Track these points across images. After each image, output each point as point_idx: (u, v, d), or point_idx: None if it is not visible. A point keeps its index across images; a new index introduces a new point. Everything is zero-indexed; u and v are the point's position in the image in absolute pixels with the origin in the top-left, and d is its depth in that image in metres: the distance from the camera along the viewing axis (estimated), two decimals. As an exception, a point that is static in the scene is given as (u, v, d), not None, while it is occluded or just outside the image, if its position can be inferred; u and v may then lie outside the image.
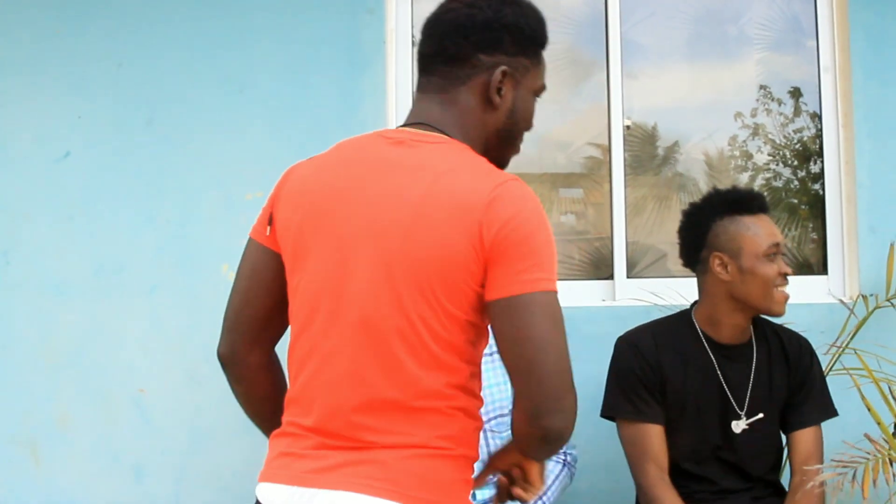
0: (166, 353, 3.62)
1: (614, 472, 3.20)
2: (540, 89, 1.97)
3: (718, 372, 2.87)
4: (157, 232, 3.65)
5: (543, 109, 3.90)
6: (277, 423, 1.88)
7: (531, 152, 4.06)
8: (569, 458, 2.91)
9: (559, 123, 4.04)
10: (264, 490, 1.79)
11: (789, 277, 2.81)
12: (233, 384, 1.98)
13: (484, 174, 1.76)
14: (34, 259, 3.70)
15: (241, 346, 1.93)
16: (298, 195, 1.86)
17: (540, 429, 1.67)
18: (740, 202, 2.86)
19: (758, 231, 2.81)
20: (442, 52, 1.88)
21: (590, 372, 3.15)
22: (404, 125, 1.89)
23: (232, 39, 3.70)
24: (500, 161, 1.94)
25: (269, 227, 1.89)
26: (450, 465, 1.75)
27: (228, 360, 1.95)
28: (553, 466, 2.89)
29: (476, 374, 1.81)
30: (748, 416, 2.86)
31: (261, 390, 1.98)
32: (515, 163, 3.98)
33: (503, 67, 1.85)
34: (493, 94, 1.86)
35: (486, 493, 3.00)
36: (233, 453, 3.55)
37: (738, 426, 2.86)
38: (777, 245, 2.81)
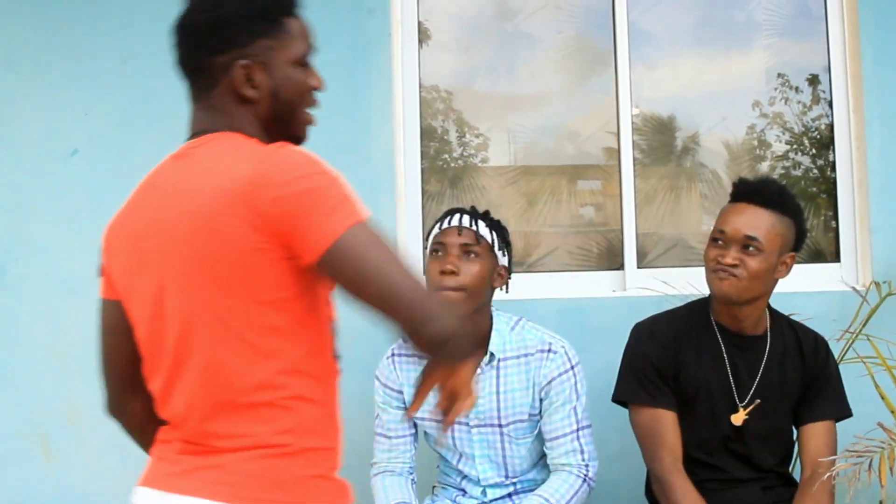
0: (176, 348, 3.61)
1: (624, 461, 3.19)
2: (301, 56, 1.88)
3: (727, 362, 2.85)
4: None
5: (556, 100, 3.95)
6: None
7: (547, 144, 4.05)
8: (589, 473, 2.89)
9: (575, 114, 4.03)
10: (138, 493, 1.81)
11: (800, 266, 2.77)
12: (130, 434, 1.99)
13: (246, 154, 1.71)
14: (43, 256, 3.70)
15: (122, 398, 1.95)
16: (113, 241, 1.89)
17: (427, 340, 1.62)
18: (735, 188, 2.86)
19: (721, 215, 2.83)
20: (184, 65, 1.86)
21: (601, 362, 3.14)
22: (188, 139, 1.88)
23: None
24: (292, 135, 1.90)
25: (101, 280, 1.92)
26: (292, 462, 1.72)
27: (116, 413, 1.97)
28: (574, 481, 2.87)
29: (313, 352, 1.76)
30: (747, 407, 2.85)
31: (150, 434, 1.94)
32: (532, 155, 4.01)
33: (241, 62, 1.80)
34: (245, 90, 1.81)
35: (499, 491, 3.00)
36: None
37: (738, 418, 2.85)
38: (722, 232, 2.78)
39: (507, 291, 3.05)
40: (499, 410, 2.92)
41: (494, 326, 2.94)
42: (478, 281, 2.85)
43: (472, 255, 2.86)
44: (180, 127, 3.71)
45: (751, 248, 2.74)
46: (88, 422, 3.63)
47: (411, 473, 3.05)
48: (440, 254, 2.89)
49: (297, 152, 1.71)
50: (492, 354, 2.92)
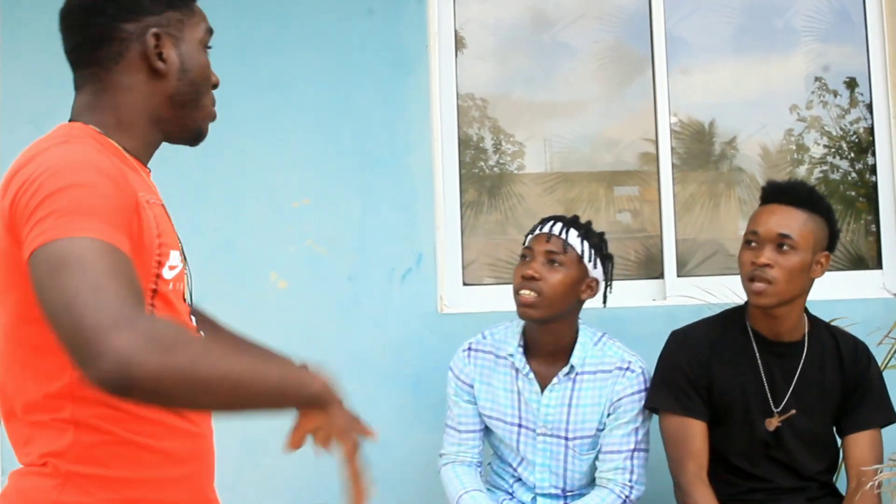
0: (217, 361, 3.62)
1: (658, 469, 3.18)
2: (205, 38, 1.80)
3: (762, 369, 2.84)
4: (205, 241, 3.66)
5: (595, 108, 3.95)
6: None
7: (585, 151, 4.05)
8: (632, 495, 2.87)
9: (612, 121, 4.02)
10: None
11: (841, 272, 2.76)
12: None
13: (33, 146, 1.60)
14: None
15: None
16: None
17: (94, 378, 1.29)
18: (764, 191, 2.86)
19: (752, 217, 2.82)
20: (84, 40, 1.73)
21: (641, 372, 3.13)
22: None
23: (274, 47, 3.71)
24: (192, 128, 1.82)
25: None
26: (56, 484, 1.57)
27: None
28: (614, 500, 2.86)
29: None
30: (783, 413, 2.83)
31: None
32: (569, 163, 4.00)
33: (154, 30, 1.70)
34: (155, 61, 1.71)
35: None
36: (284, 463, 3.55)
37: (772, 423, 2.83)
38: (754, 233, 2.77)
39: (605, 305, 3.05)
40: (568, 423, 2.92)
41: (579, 339, 2.94)
42: (558, 289, 2.85)
43: (556, 264, 2.86)
44: (217, 138, 3.73)
45: (784, 247, 2.73)
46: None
47: (479, 466, 3.05)
48: (526, 259, 2.91)
49: (67, 150, 1.56)
50: (572, 366, 2.92)
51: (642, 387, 2.91)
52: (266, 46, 3.72)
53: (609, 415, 2.90)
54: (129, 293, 1.35)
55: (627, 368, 2.91)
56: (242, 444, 3.61)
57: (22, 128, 3.82)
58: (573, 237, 2.89)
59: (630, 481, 2.88)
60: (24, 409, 1.60)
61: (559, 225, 2.92)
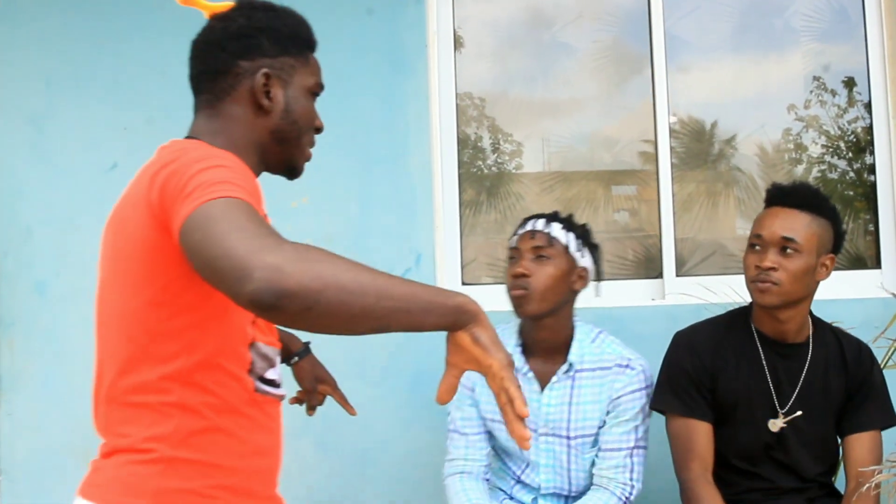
0: (216, 360, 3.63)
1: (662, 471, 3.18)
2: (314, 87, 1.97)
3: (767, 370, 2.84)
4: (205, 240, 3.66)
5: (593, 107, 3.94)
6: None
7: (583, 151, 4.05)
8: (632, 495, 2.86)
9: (610, 121, 4.02)
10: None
11: (840, 272, 2.76)
12: None
13: (173, 152, 1.69)
14: (85, 269, 3.71)
15: None
16: None
17: (250, 295, 1.35)
18: (769, 193, 2.87)
19: (757, 220, 2.83)
20: (205, 70, 1.89)
21: (641, 372, 3.13)
22: None
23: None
24: (289, 164, 1.97)
25: None
26: (154, 469, 1.67)
27: None
28: (614, 502, 2.85)
29: (210, 364, 1.70)
30: (787, 415, 2.83)
31: None
32: (568, 162, 4.00)
33: (264, 70, 1.86)
34: (261, 97, 1.86)
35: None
36: (290, 457, 3.54)
37: (776, 424, 2.83)
38: (759, 237, 2.78)
39: (597, 295, 3.05)
40: (569, 422, 2.92)
41: (576, 336, 2.94)
42: (549, 283, 2.86)
43: (544, 258, 2.87)
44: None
45: (788, 250, 2.73)
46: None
47: (486, 474, 3.03)
48: (515, 259, 2.92)
49: (184, 142, 1.75)
50: (570, 364, 2.92)
51: (643, 385, 2.91)
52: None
53: (609, 412, 2.90)
54: (270, 231, 1.44)
55: (627, 366, 2.91)
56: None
57: (21, 129, 3.83)
58: (557, 230, 2.91)
59: (630, 480, 2.88)
60: (129, 391, 1.68)
61: (541, 221, 2.94)
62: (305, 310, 1.36)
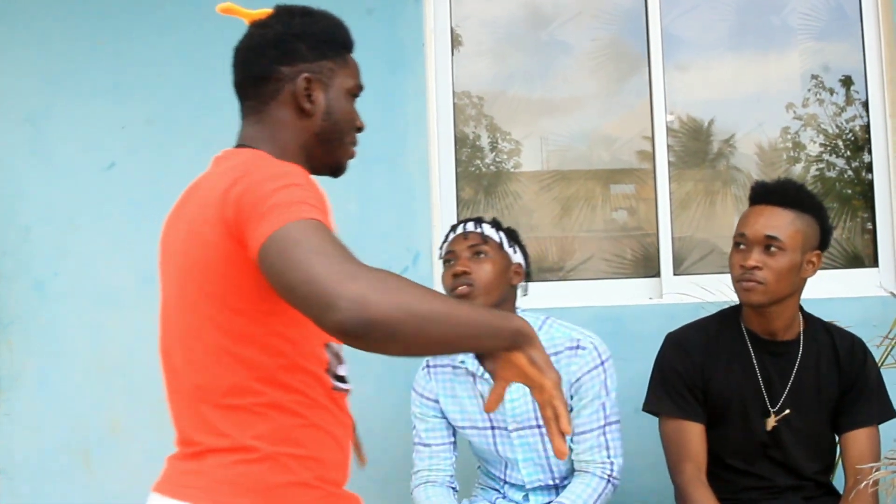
0: (214, 358, 3.63)
1: (656, 471, 3.18)
2: (354, 89, 2.03)
3: (757, 369, 2.85)
4: (203, 239, 3.67)
5: (591, 105, 3.94)
6: None
7: (581, 149, 4.05)
8: (613, 472, 2.88)
9: (608, 119, 4.03)
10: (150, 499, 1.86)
11: (837, 271, 2.76)
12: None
13: (239, 165, 1.75)
14: (83, 268, 3.74)
15: None
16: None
17: (336, 324, 1.43)
18: (752, 191, 2.88)
19: (741, 219, 2.84)
20: (248, 76, 1.96)
21: (638, 370, 3.14)
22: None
23: (272, 45, 3.71)
24: (333, 164, 2.02)
25: None
26: (262, 467, 1.73)
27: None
28: (597, 483, 2.87)
29: (293, 365, 1.75)
30: (779, 413, 2.83)
31: None
32: (566, 160, 4.00)
33: (305, 74, 1.92)
34: (303, 101, 1.92)
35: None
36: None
37: (769, 423, 2.83)
38: (742, 236, 2.79)
39: (524, 294, 3.06)
40: (535, 411, 2.92)
41: None
42: (491, 277, 2.89)
43: (482, 255, 2.91)
44: (217, 138, 3.73)
45: (772, 248, 2.74)
46: (130, 434, 3.67)
47: (452, 483, 3.05)
48: (451, 262, 2.95)
49: (260, 158, 1.79)
50: None
51: (598, 361, 2.91)
52: (263, 45, 3.72)
53: (572, 396, 2.91)
54: (350, 255, 1.51)
55: (577, 346, 2.92)
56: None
57: (20, 128, 3.83)
58: (488, 229, 2.97)
59: (609, 457, 2.89)
60: (223, 394, 1.73)
61: (471, 223, 2.99)
62: (388, 337, 1.46)
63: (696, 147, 3.97)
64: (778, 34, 3.92)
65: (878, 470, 2.66)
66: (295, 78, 1.92)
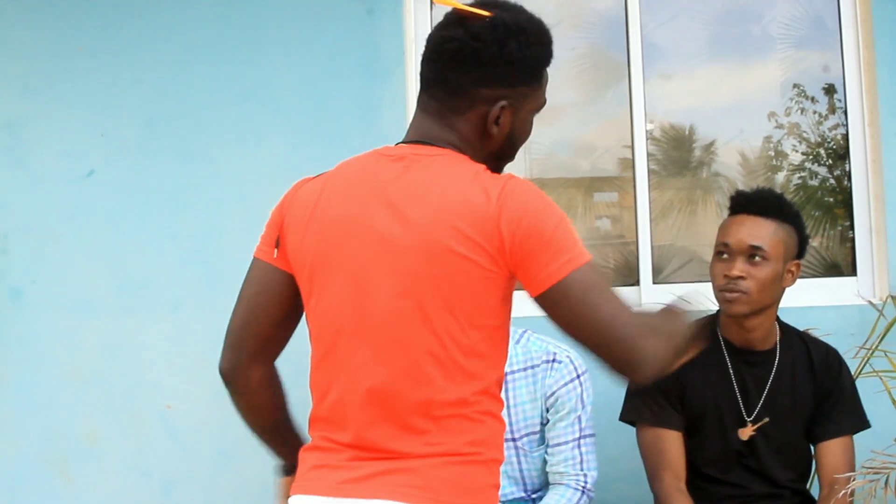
0: (192, 368, 3.62)
1: (634, 480, 3.18)
2: (540, 107, 1.97)
3: (734, 378, 2.85)
4: (181, 248, 3.66)
5: (573, 114, 3.94)
6: (277, 436, 2.05)
7: (563, 158, 4.05)
8: (587, 484, 2.89)
9: (590, 128, 4.03)
10: (298, 502, 1.82)
11: (816, 280, 2.76)
12: (233, 398, 2.00)
13: (486, 180, 1.77)
14: (60, 277, 3.72)
15: (244, 362, 1.96)
16: (307, 220, 1.88)
17: (640, 379, 1.71)
18: (733, 201, 2.89)
19: (722, 228, 2.85)
20: (443, 83, 1.87)
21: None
22: (404, 142, 1.90)
23: (251, 53, 3.71)
24: (495, 171, 1.92)
25: (276, 250, 1.92)
26: (480, 470, 1.78)
27: (230, 375, 1.97)
28: (571, 495, 2.88)
29: (500, 378, 1.84)
30: (755, 422, 2.84)
31: (261, 404, 2.00)
32: (548, 169, 3.99)
33: (503, 103, 1.85)
34: (492, 126, 1.86)
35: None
36: (260, 468, 3.49)
37: (745, 433, 2.84)
38: (725, 245, 2.79)
39: None
40: (511, 424, 2.92)
41: None
42: None
43: None
44: (194, 145, 3.76)
45: (756, 258, 2.74)
46: (107, 443, 3.65)
47: None
48: None
49: (531, 188, 1.79)
50: None
51: (574, 375, 2.93)
52: (242, 54, 3.72)
53: (548, 409, 2.92)
54: (623, 298, 1.71)
55: (554, 360, 2.93)
56: (217, 450, 3.60)
57: (-4, 134, 3.81)
58: None
59: (583, 470, 2.90)
60: (450, 405, 1.76)
61: None
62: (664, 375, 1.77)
63: (678, 155, 3.97)
64: (758, 43, 3.93)
65: (854, 480, 2.66)
66: (492, 102, 1.85)
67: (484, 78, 1.83)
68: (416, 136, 1.89)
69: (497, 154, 1.91)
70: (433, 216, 1.74)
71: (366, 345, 1.78)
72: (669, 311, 1.83)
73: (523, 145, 1.98)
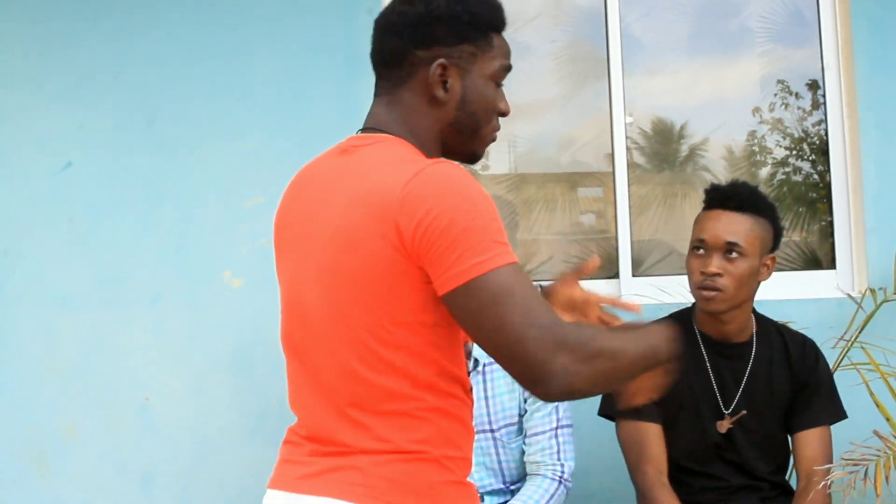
0: (171, 361, 3.62)
1: (615, 474, 3.19)
2: (498, 73, 1.86)
3: (710, 371, 2.85)
4: (159, 241, 3.64)
5: (556, 109, 3.93)
6: None
7: (545, 152, 4.04)
8: (564, 474, 2.90)
9: (572, 122, 4.03)
10: (268, 496, 1.83)
11: (796, 273, 2.76)
12: None
13: (403, 167, 1.68)
14: (37, 270, 3.69)
15: None
16: (278, 210, 1.94)
17: (543, 396, 1.60)
18: (708, 195, 2.88)
19: (697, 223, 2.84)
20: (382, 55, 1.85)
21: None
22: (359, 131, 1.87)
23: (231, 47, 3.69)
24: (469, 153, 1.90)
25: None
26: (426, 468, 1.72)
27: None
28: (548, 485, 2.89)
29: (452, 373, 1.75)
30: (733, 415, 2.84)
31: None
32: (530, 163, 3.99)
33: (441, 60, 1.78)
34: (436, 89, 1.79)
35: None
36: (239, 461, 3.54)
37: (723, 426, 2.84)
38: (702, 241, 2.79)
39: None
40: (489, 416, 2.94)
41: None
42: None
43: None
44: (173, 138, 3.73)
45: (733, 254, 2.74)
46: (85, 438, 3.63)
47: None
48: None
49: (452, 176, 1.66)
50: (476, 360, 2.94)
51: None
52: (222, 47, 3.70)
53: (526, 400, 2.95)
54: (546, 307, 1.60)
55: None
56: (195, 443, 3.59)
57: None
58: None
59: (559, 459, 2.91)
60: (384, 398, 1.71)
61: None
62: (583, 395, 1.64)
63: (659, 150, 3.98)
64: (737, 38, 3.94)
65: (833, 472, 2.67)
66: (430, 63, 1.79)
67: (414, 38, 1.80)
68: (367, 124, 1.86)
69: (456, 126, 1.84)
70: (346, 205, 1.70)
71: (310, 338, 1.77)
72: (633, 331, 1.74)
73: (495, 128, 1.90)
